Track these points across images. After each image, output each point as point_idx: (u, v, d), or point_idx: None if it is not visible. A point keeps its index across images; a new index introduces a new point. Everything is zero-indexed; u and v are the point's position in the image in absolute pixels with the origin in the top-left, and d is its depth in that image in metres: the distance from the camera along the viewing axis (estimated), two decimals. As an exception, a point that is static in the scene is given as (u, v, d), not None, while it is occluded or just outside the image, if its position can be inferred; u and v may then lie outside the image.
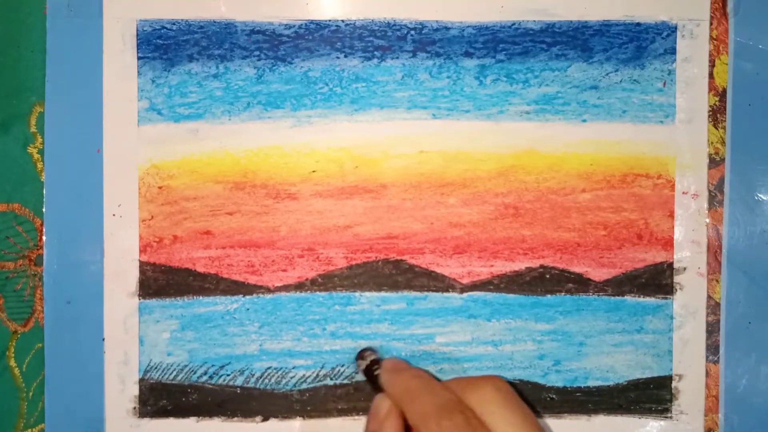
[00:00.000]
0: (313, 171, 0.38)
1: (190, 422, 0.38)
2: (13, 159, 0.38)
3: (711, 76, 0.38)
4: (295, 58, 0.38)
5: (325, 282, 0.38)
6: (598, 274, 0.38)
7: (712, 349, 0.38)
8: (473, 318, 0.38)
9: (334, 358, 0.38)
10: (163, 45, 0.38)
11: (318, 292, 0.38)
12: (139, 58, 0.38)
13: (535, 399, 0.38)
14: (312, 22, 0.38)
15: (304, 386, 0.38)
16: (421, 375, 0.34)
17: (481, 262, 0.38)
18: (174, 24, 0.38)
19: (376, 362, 0.36)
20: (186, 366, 0.38)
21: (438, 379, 0.34)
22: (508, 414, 0.31)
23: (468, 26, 0.38)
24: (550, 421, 0.38)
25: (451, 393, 0.32)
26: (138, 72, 0.38)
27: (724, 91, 0.38)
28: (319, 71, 0.38)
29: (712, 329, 0.38)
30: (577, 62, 0.38)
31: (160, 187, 0.38)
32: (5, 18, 0.38)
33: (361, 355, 0.37)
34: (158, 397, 0.38)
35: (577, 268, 0.38)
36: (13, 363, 0.39)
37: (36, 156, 0.38)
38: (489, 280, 0.38)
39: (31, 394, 0.39)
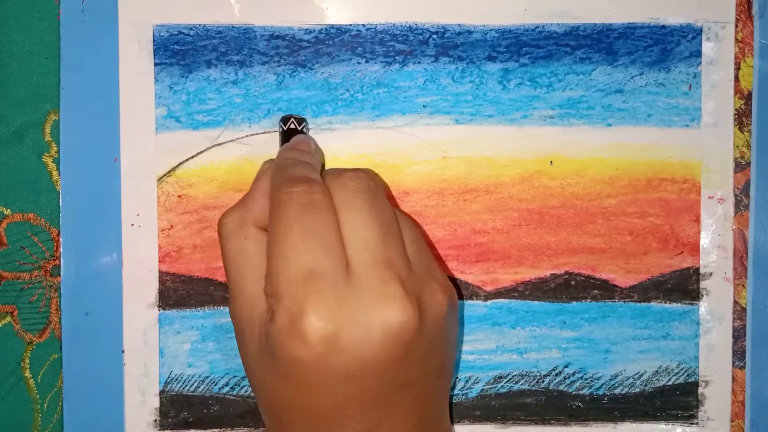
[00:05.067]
0: (335, 178, 0.37)
1: (213, 434, 0.38)
2: (28, 168, 0.38)
3: (736, 78, 0.38)
4: (316, 64, 0.37)
5: (348, 291, 0.38)
6: (624, 280, 0.38)
7: (739, 354, 0.38)
8: (498, 326, 0.38)
9: (358, 368, 0.38)
10: (180, 51, 0.37)
11: (340, 301, 0.38)
12: (156, 65, 0.37)
13: (561, 407, 0.38)
14: (332, 26, 0.37)
15: (328, 396, 0.38)
16: (298, 157, 0.33)
17: (506, 269, 0.38)
18: (191, 29, 0.37)
19: (298, 129, 0.36)
20: (207, 377, 0.38)
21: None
22: (356, 199, 0.30)
23: (491, 30, 0.37)
24: (577, 429, 0.38)
25: (311, 174, 0.31)
26: (155, 78, 0.37)
27: (750, 94, 0.38)
28: (339, 77, 0.37)
29: (738, 335, 0.38)
30: (601, 65, 0.37)
31: (179, 196, 0.37)
32: (18, 24, 0.37)
33: (284, 119, 0.36)
34: (179, 409, 0.38)
35: (602, 275, 0.38)
36: (27, 374, 0.38)
37: (51, 165, 0.38)
38: (513, 287, 0.38)
39: (46, 405, 0.38)
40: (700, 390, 0.38)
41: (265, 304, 0.30)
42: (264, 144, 0.37)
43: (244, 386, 0.38)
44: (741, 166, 0.38)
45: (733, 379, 0.38)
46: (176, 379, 0.37)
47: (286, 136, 0.36)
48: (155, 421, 0.37)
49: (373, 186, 0.31)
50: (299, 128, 0.36)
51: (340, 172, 0.31)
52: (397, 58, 0.37)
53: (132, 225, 0.37)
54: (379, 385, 0.29)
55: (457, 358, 0.38)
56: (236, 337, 0.32)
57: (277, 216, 0.29)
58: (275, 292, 0.28)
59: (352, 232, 0.29)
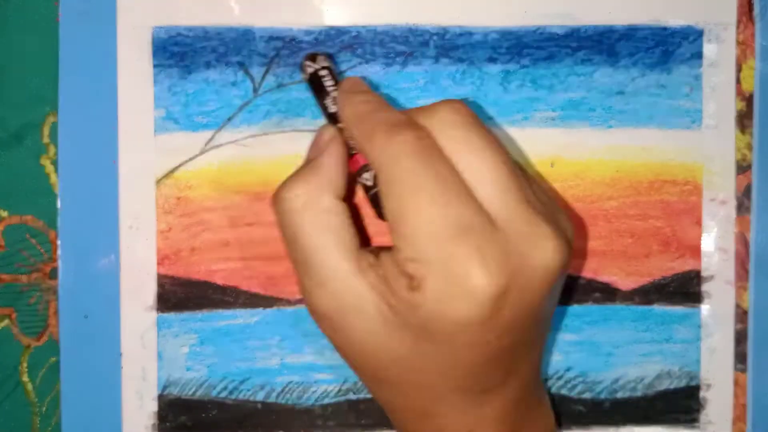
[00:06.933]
0: (335, 180, 0.37)
1: (211, 439, 0.37)
2: (26, 170, 0.37)
3: (738, 80, 0.38)
4: (315, 65, 0.37)
5: (348, 293, 0.37)
6: (626, 283, 0.38)
7: (740, 357, 0.38)
8: (498, 329, 0.38)
9: (359, 372, 0.37)
10: (179, 52, 0.37)
11: (340, 304, 0.37)
12: (155, 66, 0.37)
13: (563, 411, 0.38)
14: (332, 28, 0.37)
15: (327, 401, 0.37)
16: (375, 98, 0.29)
17: (506, 272, 0.37)
18: (190, 30, 0.37)
19: (329, 71, 0.31)
20: (205, 381, 0.37)
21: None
22: (470, 136, 0.26)
23: (492, 31, 0.37)
24: (578, 433, 0.38)
25: (406, 115, 0.27)
26: (154, 80, 0.37)
27: (751, 96, 0.38)
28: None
29: (740, 338, 0.38)
30: (602, 67, 0.37)
31: (177, 198, 0.37)
32: (17, 26, 0.37)
33: (310, 56, 0.31)
34: (177, 413, 0.37)
35: (604, 277, 0.38)
36: (25, 378, 0.38)
37: (49, 167, 0.37)
38: (514, 290, 0.38)
39: (44, 409, 0.38)
40: (701, 393, 0.38)
41: (372, 279, 0.26)
42: (263, 145, 0.37)
43: (242, 390, 0.37)
44: (742, 168, 0.38)
45: (735, 383, 0.38)
46: (174, 383, 0.37)
47: (315, 84, 0.31)
48: (153, 425, 0.37)
49: (477, 116, 0.27)
50: (330, 67, 0.32)
51: (431, 109, 0.27)
52: (397, 59, 0.37)
53: (130, 227, 0.37)
54: (530, 332, 0.27)
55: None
56: (328, 328, 0.28)
57: (396, 171, 0.25)
58: (420, 256, 0.25)
59: (480, 176, 0.26)
